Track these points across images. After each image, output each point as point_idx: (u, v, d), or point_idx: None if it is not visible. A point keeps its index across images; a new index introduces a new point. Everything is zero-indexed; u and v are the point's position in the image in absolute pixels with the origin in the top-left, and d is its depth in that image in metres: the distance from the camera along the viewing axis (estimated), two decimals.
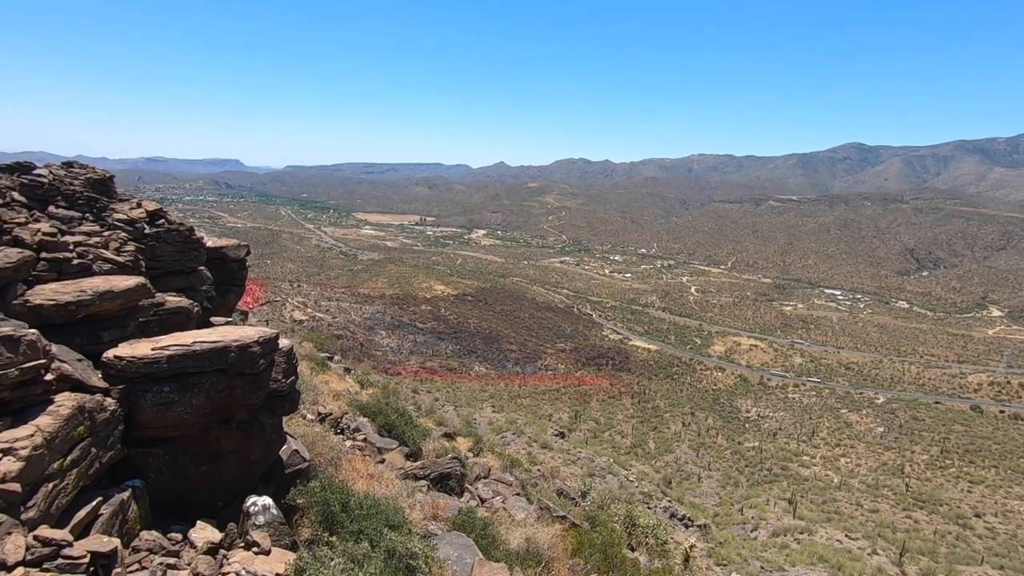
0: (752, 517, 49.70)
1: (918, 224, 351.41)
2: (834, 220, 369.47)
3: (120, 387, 7.50)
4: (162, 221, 11.46)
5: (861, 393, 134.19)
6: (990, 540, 59.90)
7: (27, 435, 6.07)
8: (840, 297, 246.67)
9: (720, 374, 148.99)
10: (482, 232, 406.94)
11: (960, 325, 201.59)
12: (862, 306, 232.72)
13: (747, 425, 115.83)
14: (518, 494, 15.92)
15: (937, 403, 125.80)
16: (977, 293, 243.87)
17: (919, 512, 68.23)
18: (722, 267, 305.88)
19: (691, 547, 19.67)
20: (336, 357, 33.28)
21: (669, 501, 33.57)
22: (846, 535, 45.65)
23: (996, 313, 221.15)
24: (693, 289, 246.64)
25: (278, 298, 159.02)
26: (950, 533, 60.71)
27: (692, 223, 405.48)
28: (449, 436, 20.75)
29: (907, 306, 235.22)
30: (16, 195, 9.70)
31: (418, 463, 14.98)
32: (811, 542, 39.31)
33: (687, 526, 29.93)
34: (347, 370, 29.19)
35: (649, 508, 26.83)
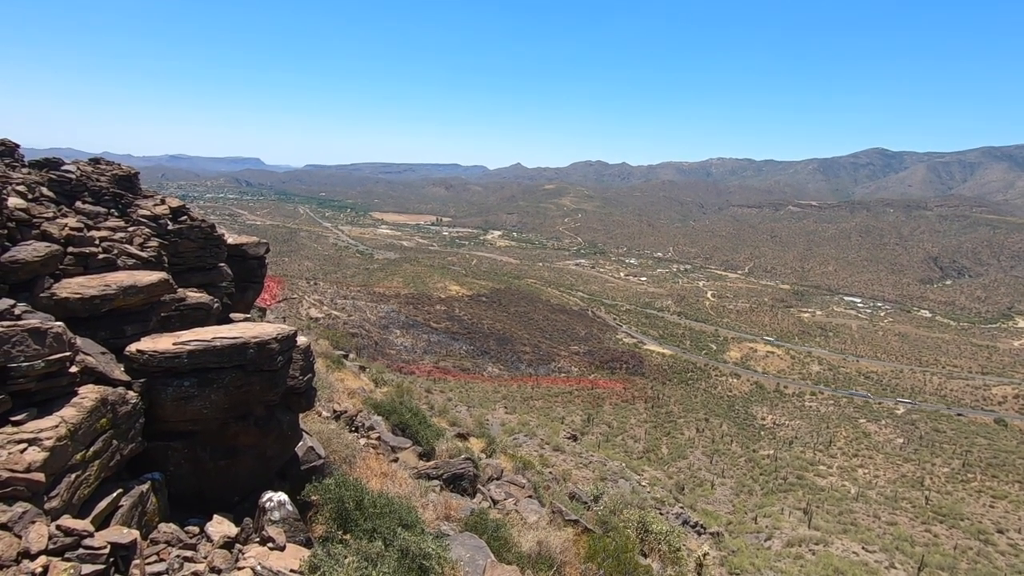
0: (766, 526, 48.92)
1: (942, 232, 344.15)
2: (855, 226, 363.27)
3: (142, 381, 7.62)
4: (185, 218, 11.62)
5: (880, 403, 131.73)
6: (1013, 557, 58.30)
7: (52, 426, 6.18)
8: (860, 305, 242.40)
9: (735, 380, 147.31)
10: (498, 233, 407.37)
11: (985, 336, 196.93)
12: (883, 314, 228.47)
13: (762, 433, 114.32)
14: (530, 496, 15.86)
15: (959, 415, 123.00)
16: (1003, 303, 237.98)
17: (939, 526, 66.69)
18: (739, 272, 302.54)
19: (704, 555, 19.43)
20: (351, 355, 33.52)
21: (682, 507, 33.20)
22: (863, 547, 44.76)
23: (1023, 324, 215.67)
24: (709, 294, 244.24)
25: (295, 295, 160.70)
26: (971, 549, 59.21)
27: (709, 227, 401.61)
28: (462, 436, 20.77)
29: (929, 315, 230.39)
30: (45, 190, 9.91)
31: (431, 463, 15.01)
32: (827, 553, 38.59)
33: (700, 533, 29.56)
34: (362, 368, 29.39)
35: (662, 514, 26.57)
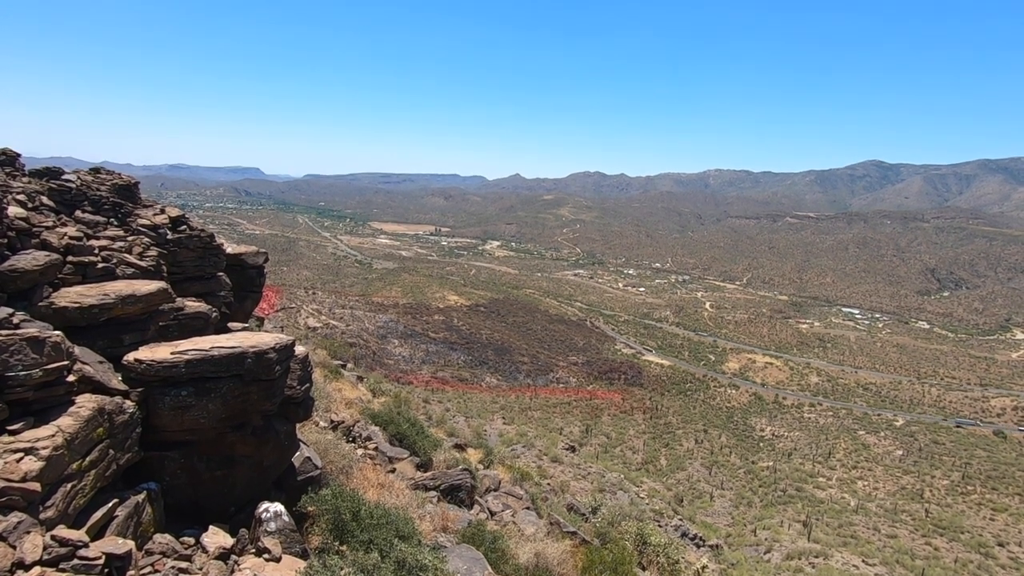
0: (765, 539, 48.62)
1: (939, 243, 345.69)
2: (852, 238, 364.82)
3: (139, 390, 7.60)
4: (184, 227, 11.64)
5: (879, 415, 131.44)
6: (1013, 571, 58.00)
7: (48, 435, 6.16)
8: (858, 316, 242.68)
9: (734, 391, 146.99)
10: (496, 243, 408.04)
11: (983, 347, 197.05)
12: (880, 326, 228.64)
13: (761, 444, 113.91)
14: (528, 508, 15.78)
15: (958, 427, 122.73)
16: (1000, 315, 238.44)
17: (939, 539, 66.35)
18: (737, 283, 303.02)
19: (703, 568, 19.31)
20: (349, 365, 33.37)
21: (680, 520, 33.00)
22: (863, 560, 44.48)
23: (1020, 336, 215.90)
24: (708, 305, 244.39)
25: (293, 305, 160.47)
26: (971, 562, 58.87)
27: (707, 238, 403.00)
28: (459, 447, 20.68)
29: (927, 327, 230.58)
30: (45, 199, 9.94)
31: (428, 474, 14.93)
32: (826, 567, 38.35)
33: (699, 546, 29.36)
34: (360, 378, 29.27)
35: (660, 526, 26.40)
